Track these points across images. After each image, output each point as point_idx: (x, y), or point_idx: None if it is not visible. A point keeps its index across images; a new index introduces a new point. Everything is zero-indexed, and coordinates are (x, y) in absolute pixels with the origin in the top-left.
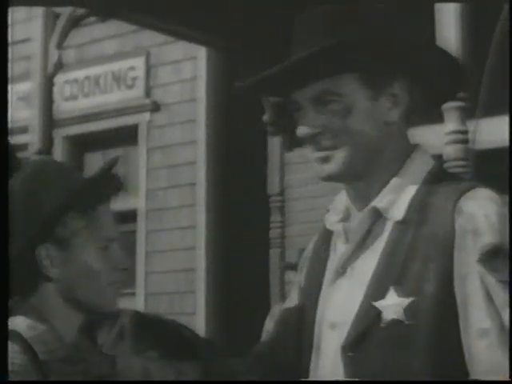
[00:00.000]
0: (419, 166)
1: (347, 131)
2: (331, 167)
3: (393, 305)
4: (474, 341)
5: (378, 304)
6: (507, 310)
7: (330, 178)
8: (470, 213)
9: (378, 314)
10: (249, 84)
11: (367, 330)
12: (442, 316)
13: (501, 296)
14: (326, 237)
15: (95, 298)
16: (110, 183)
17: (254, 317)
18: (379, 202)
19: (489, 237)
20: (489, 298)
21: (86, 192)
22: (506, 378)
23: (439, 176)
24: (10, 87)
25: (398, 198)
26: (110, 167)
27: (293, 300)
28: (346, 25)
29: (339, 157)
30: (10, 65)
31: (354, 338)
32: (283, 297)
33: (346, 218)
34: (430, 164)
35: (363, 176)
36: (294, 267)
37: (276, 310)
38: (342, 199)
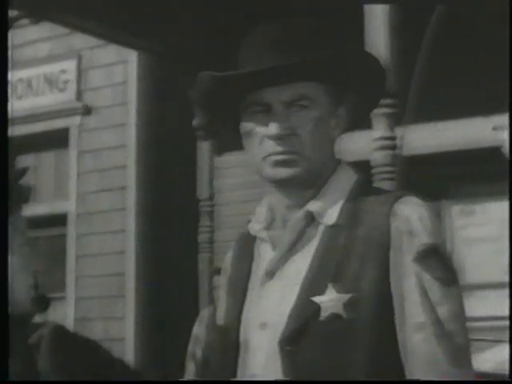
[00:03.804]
0: (346, 178)
1: (314, 140)
2: (290, 171)
3: (332, 300)
4: (411, 334)
5: (317, 299)
6: (442, 306)
7: (284, 181)
8: (405, 216)
9: (317, 308)
10: (220, 76)
11: (305, 325)
12: (379, 312)
13: (435, 292)
14: (248, 243)
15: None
16: (19, 195)
17: (183, 321)
18: (311, 206)
19: (423, 237)
20: (424, 293)
21: None
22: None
23: (365, 187)
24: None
25: (328, 205)
26: (16, 180)
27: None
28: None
29: (301, 163)
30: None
31: (292, 332)
32: (212, 301)
33: (269, 225)
34: (355, 176)
35: (308, 185)
36: None
37: (205, 314)
38: (262, 210)
